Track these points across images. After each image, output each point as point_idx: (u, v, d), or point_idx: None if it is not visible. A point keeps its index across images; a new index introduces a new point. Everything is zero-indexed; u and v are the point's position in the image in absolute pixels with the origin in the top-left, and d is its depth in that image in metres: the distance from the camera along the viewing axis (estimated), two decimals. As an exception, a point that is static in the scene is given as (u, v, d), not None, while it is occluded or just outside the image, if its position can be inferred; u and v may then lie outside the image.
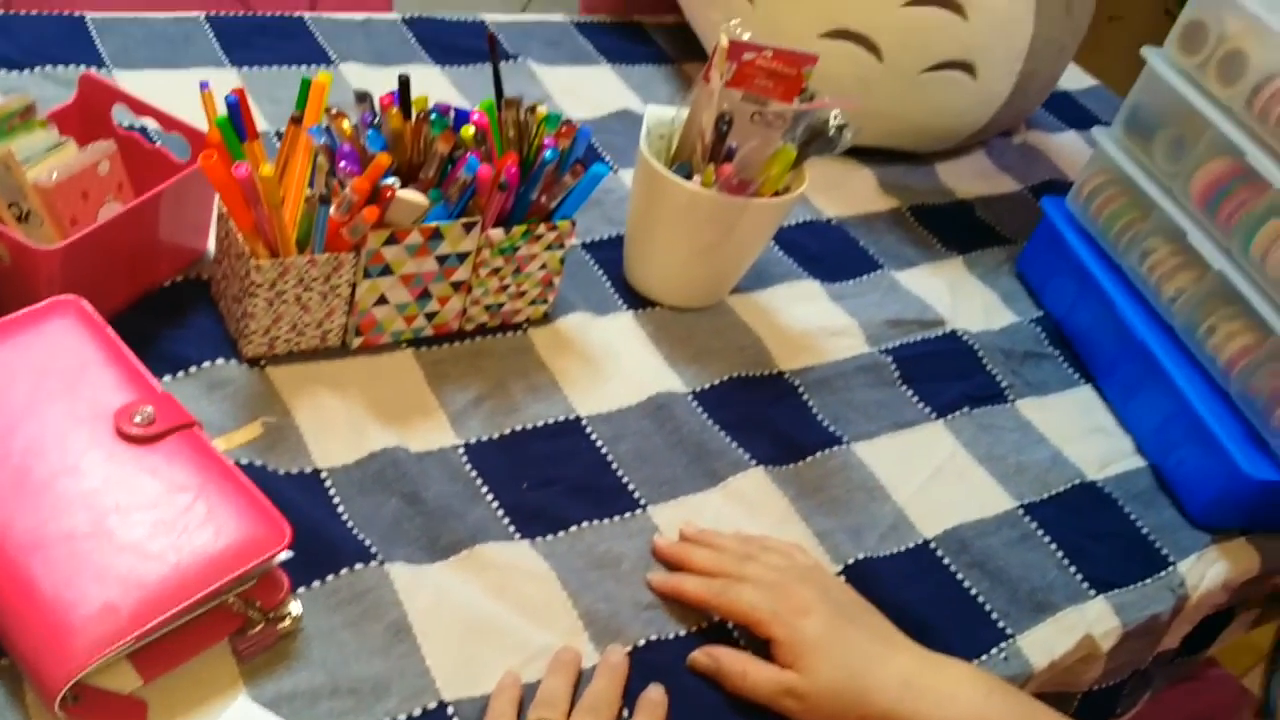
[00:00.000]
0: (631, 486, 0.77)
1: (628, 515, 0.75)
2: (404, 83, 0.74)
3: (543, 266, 0.82)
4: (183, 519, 0.57)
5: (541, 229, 0.79)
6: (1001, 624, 0.77)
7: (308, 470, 0.70)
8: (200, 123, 0.73)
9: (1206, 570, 0.87)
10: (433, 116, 0.74)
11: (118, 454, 0.59)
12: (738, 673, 0.66)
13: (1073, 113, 1.40)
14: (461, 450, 0.75)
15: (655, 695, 0.65)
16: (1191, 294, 0.92)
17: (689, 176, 0.84)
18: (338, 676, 0.60)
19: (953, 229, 1.13)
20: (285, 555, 0.59)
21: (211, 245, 0.80)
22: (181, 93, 0.81)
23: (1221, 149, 0.90)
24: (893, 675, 0.66)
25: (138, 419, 0.60)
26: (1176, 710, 1.10)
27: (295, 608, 0.60)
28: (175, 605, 0.54)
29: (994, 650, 0.75)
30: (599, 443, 0.79)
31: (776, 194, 0.86)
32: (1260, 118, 0.87)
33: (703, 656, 0.67)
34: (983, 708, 0.65)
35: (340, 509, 0.68)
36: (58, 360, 0.62)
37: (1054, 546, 0.84)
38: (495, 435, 0.77)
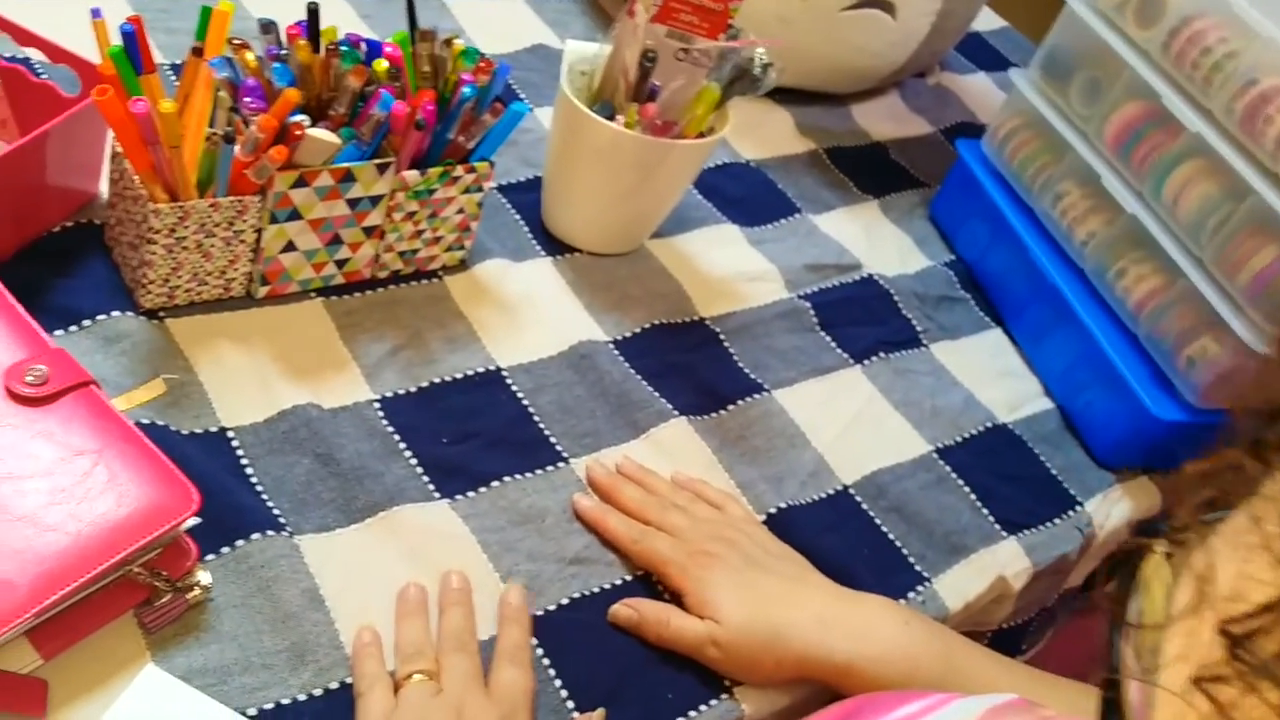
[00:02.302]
0: (553, 439, 0.75)
1: (550, 469, 0.73)
2: (313, 11, 0.70)
3: (459, 210, 0.79)
4: (82, 486, 0.54)
5: (459, 171, 0.76)
6: (918, 567, 0.78)
7: (213, 429, 0.67)
8: (91, 54, 0.68)
9: (1111, 509, 0.90)
10: (343, 49, 0.70)
11: (9, 417, 0.55)
12: (661, 622, 0.66)
13: (984, 54, 1.40)
14: (377, 405, 0.72)
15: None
16: (1103, 237, 0.94)
17: (611, 117, 0.81)
18: (249, 650, 0.57)
19: (868, 172, 1.12)
20: (193, 522, 0.56)
21: (104, 188, 0.75)
22: (69, 21, 0.75)
23: (1137, 92, 0.91)
24: (807, 614, 0.66)
25: (29, 378, 0.57)
26: (1075, 643, 1.14)
27: (204, 577, 0.57)
28: (76, 579, 0.51)
29: (911, 594, 0.76)
30: (519, 394, 0.77)
31: (700, 135, 0.84)
32: (1176, 61, 0.87)
33: (624, 609, 0.66)
34: (900, 639, 0.66)
35: (249, 471, 0.65)
36: None
37: (967, 489, 0.85)
38: (412, 388, 0.74)
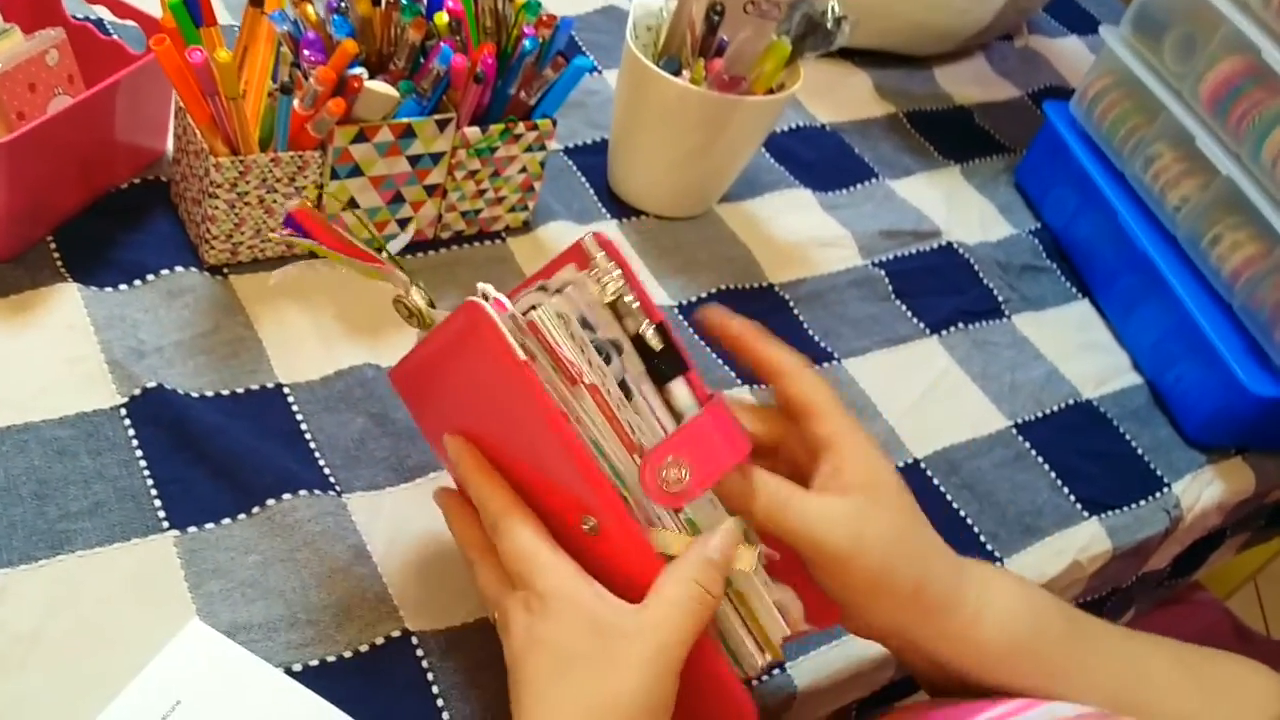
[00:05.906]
0: (613, 402, 0.74)
1: (609, 432, 0.72)
2: (373, -34, 0.69)
3: (522, 170, 0.78)
4: None
5: (521, 128, 0.75)
6: (990, 547, 0.75)
7: (270, 385, 0.67)
8: (157, 11, 0.68)
9: (1202, 491, 0.85)
10: (404, 2, 0.69)
11: None
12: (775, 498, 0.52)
13: (1074, 16, 1.35)
14: (435, 364, 0.71)
15: None
16: (1197, 202, 0.89)
17: (677, 72, 0.79)
18: (295, 606, 0.57)
19: (950, 136, 1.08)
20: None
21: (171, 145, 0.75)
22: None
23: (1235, 47, 0.86)
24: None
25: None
26: (1163, 634, 1.09)
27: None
28: None
29: (984, 572, 0.73)
30: (580, 356, 0.75)
31: (769, 92, 0.81)
32: (1278, 12, 0.82)
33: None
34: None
35: (304, 427, 0.65)
36: None
37: (1046, 467, 0.82)
38: (471, 348, 0.73)
